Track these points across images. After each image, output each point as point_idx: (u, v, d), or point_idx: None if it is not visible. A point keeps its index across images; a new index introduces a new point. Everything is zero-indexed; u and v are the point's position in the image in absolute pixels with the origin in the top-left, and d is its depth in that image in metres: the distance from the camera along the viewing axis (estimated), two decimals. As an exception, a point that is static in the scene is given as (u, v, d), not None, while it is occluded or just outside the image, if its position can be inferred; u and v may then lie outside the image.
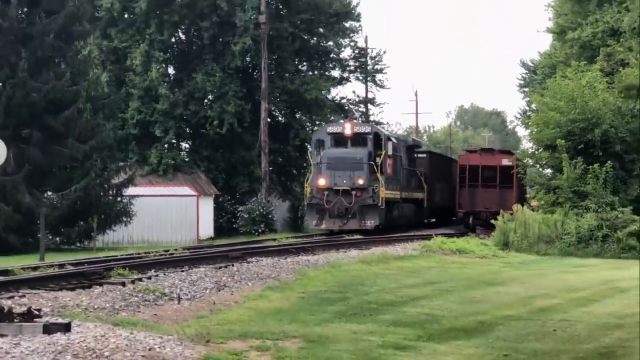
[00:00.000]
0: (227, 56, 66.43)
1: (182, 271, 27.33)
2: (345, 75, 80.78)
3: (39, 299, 20.39)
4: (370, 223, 41.26)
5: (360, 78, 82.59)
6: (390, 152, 44.94)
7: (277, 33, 66.08)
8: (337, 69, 79.26)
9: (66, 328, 15.91)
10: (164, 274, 26.25)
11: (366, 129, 45.54)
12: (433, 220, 61.25)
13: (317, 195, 42.11)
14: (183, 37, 71.39)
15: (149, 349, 15.17)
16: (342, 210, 40.84)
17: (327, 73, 77.41)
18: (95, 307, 20.39)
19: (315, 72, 75.17)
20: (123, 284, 23.78)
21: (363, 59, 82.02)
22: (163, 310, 21.06)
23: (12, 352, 14.11)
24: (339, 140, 44.11)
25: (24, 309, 17.46)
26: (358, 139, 43.66)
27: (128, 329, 16.90)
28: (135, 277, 25.11)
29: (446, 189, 64.36)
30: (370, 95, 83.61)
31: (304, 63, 74.21)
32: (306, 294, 24.91)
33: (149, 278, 25.32)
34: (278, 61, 67.87)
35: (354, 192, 40.83)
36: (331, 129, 46.59)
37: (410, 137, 63.64)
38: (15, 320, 16.26)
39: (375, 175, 41.34)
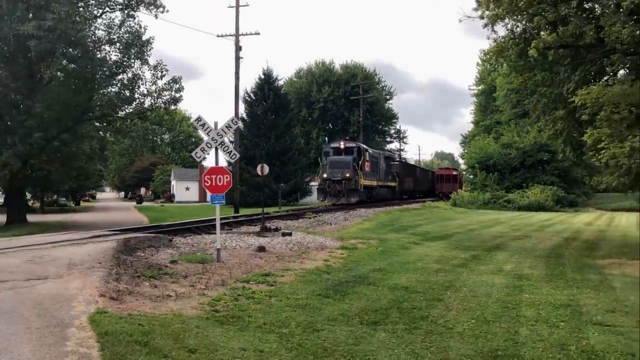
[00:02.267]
0: (348, 132, 66.14)
1: (331, 213, 27.45)
2: (391, 140, 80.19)
3: (279, 223, 20.79)
4: (353, 200, 33.44)
5: (398, 140, 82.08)
6: (367, 158, 36.05)
7: (366, 124, 65.56)
8: (388, 137, 78.70)
9: (290, 234, 16.29)
10: (325, 214, 26.40)
11: (353, 144, 36.03)
12: (405, 197, 50.22)
13: (322, 183, 33.81)
14: (331, 126, 71.38)
15: (320, 242, 15.44)
16: (336, 192, 32.89)
17: (384, 139, 76.96)
18: (300, 226, 20.76)
19: (379, 138, 74.62)
20: (310, 218, 24.20)
21: (398, 133, 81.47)
22: (324, 228, 21.28)
23: (271, 242, 14.49)
24: (337, 151, 35.29)
25: (274, 227, 17.87)
26: (348, 150, 34.86)
27: (312, 235, 17.16)
28: (314, 215, 25.44)
29: (410, 181, 52.73)
30: (402, 147, 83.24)
31: (375, 135, 73.60)
32: (378, 223, 24.89)
33: (320, 215, 25.57)
34: (366, 135, 67.12)
35: (343, 181, 32.68)
36: (333, 144, 37.29)
37: (387, 152, 51.57)
38: (271, 231, 16.68)
39: (357, 171, 33.20)
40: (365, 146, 37.33)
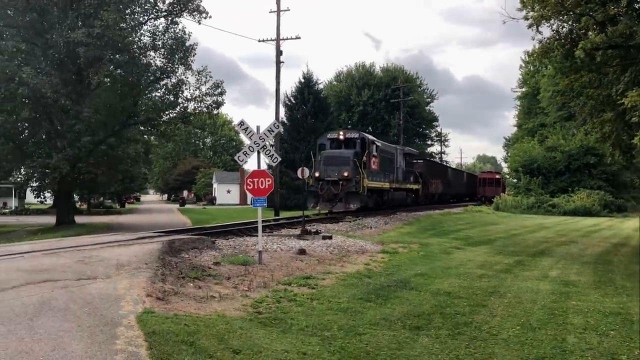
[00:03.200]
0: (388, 135, 65.39)
1: (371, 217, 26.97)
2: (432, 143, 79.09)
3: (319, 226, 20.76)
4: (353, 206, 25.95)
5: (439, 143, 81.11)
6: (375, 153, 28.18)
7: (406, 127, 64.79)
8: (429, 140, 77.71)
9: (330, 237, 16.28)
10: (365, 218, 25.86)
11: (355, 135, 28.04)
12: (433, 202, 43.01)
13: (314, 185, 26.33)
14: (370, 129, 70.89)
15: (360, 246, 15.41)
16: (331, 196, 25.60)
17: (425, 142, 75.98)
18: (340, 229, 20.62)
19: (420, 141, 73.63)
20: (350, 221, 23.98)
21: (439, 136, 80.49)
22: (364, 232, 21.18)
23: (311, 245, 14.53)
24: (334, 143, 27.69)
25: (315, 230, 17.90)
26: (349, 143, 27.24)
27: (352, 238, 17.12)
28: (354, 218, 25.11)
29: (439, 183, 44.85)
30: (443, 150, 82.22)
31: (416, 138, 72.54)
32: (419, 227, 24.67)
33: (359, 219, 25.15)
34: (407, 138, 66.04)
35: (340, 182, 25.43)
36: (330, 135, 29.28)
37: (407, 148, 39.86)
38: (311, 234, 16.72)
39: (359, 169, 25.67)
40: (372, 137, 29.54)
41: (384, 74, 69.67)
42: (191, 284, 8.78)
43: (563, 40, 15.39)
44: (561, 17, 15.02)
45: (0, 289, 6.94)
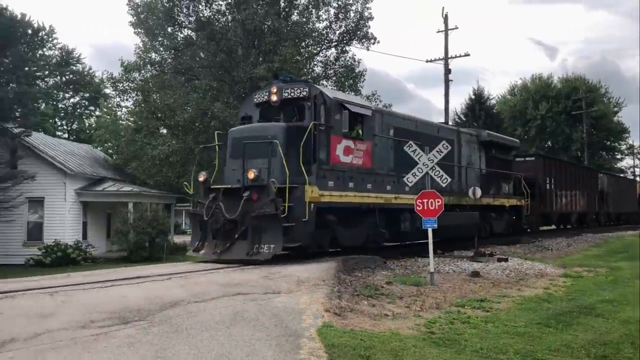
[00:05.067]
0: (570, 150, 60.54)
1: (552, 238, 25.37)
2: (621, 157, 71.45)
3: (494, 249, 19.96)
4: (266, 249, 10.68)
5: (631, 157, 73.30)
6: (348, 126, 12.61)
7: (590, 140, 59.05)
8: (617, 154, 70.21)
9: (506, 260, 15.71)
10: (545, 240, 24.33)
11: (300, 90, 12.34)
12: (564, 227, 31.10)
13: (203, 200, 11.81)
14: (550, 144, 66.07)
15: (540, 269, 14.69)
16: (225, 226, 11.00)
17: (614, 156, 68.90)
18: (516, 251, 19.66)
19: (608, 155, 66.97)
20: (527, 243, 22.72)
21: (631, 148, 72.64)
22: (544, 254, 19.95)
23: (485, 268, 14.18)
24: (266, 112, 13.07)
25: (489, 252, 17.38)
26: (289, 108, 12.49)
27: (530, 261, 16.31)
28: (532, 240, 23.74)
29: (578, 196, 30.57)
30: (637, 164, 74.14)
31: (603, 152, 66.02)
32: (608, 249, 22.60)
33: (539, 240, 23.72)
34: (591, 151, 60.06)
35: (245, 194, 10.83)
36: (258, 97, 13.51)
37: (486, 132, 20.75)
38: (485, 256, 16.28)
39: (298, 164, 11.09)
40: (343, 96, 14.54)
41: (562, 85, 65.33)
42: (365, 302, 9.17)
43: None
44: None
45: (202, 299, 7.95)
